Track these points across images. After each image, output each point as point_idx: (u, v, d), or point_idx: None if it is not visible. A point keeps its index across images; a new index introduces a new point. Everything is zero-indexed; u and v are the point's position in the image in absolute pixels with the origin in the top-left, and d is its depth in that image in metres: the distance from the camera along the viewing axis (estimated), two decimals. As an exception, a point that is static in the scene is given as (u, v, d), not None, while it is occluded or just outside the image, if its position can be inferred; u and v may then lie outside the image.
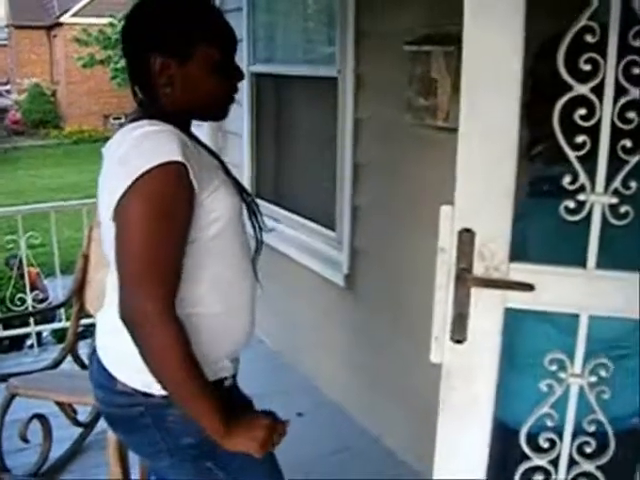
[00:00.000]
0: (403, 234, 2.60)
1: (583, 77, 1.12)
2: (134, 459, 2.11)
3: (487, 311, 1.19)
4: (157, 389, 1.28)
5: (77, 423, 2.75)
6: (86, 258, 2.89)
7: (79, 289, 2.88)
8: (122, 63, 17.53)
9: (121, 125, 1.37)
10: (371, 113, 2.76)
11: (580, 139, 1.13)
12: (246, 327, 1.42)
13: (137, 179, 1.19)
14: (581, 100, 1.12)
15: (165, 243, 1.23)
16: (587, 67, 1.11)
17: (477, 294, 1.18)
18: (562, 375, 1.23)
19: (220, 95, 1.38)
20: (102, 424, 2.36)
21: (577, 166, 1.14)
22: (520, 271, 1.18)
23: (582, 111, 1.12)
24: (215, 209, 1.30)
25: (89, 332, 3.22)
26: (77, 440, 2.79)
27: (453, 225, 1.16)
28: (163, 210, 1.22)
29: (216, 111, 1.42)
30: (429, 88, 2.20)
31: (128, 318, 1.23)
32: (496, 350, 1.20)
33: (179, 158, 1.21)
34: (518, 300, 1.19)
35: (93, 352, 1.44)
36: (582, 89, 1.12)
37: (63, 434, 2.73)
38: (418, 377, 2.41)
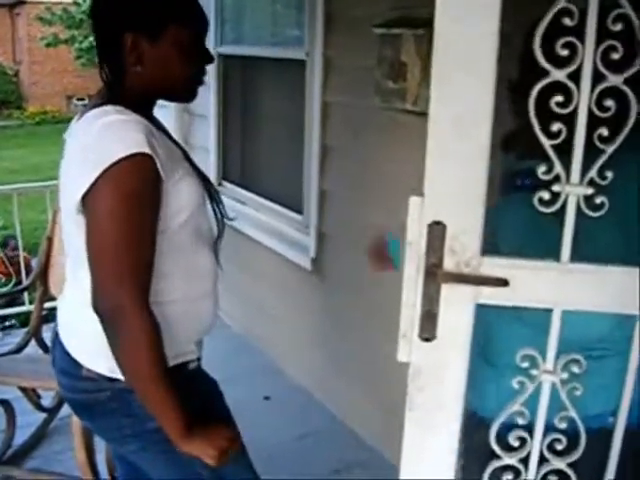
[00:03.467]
0: (370, 218, 2.59)
1: (560, 62, 1.07)
2: (100, 444, 2.08)
3: (458, 308, 1.14)
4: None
5: (41, 408, 2.72)
6: (50, 241, 2.84)
7: (43, 272, 2.83)
8: (87, 43, 17.13)
9: (84, 107, 1.35)
10: (340, 96, 2.73)
11: (556, 127, 1.08)
12: (210, 312, 1.43)
13: (105, 170, 1.18)
14: (558, 86, 1.07)
15: (139, 235, 1.22)
16: (565, 52, 1.05)
17: (447, 290, 1.13)
18: (534, 372, 1.18)
19: (189, 76, 1.36)
20: (66, 409, 2.27)
21: (552, 156, 1.09)
22: (492, 266, 1.13)
23: (559, 98, 1.07)
24: (181, 198, 1.30)
25: (53, 316, 3.14)
26: (41, 425, 2.75)
27: (422, 217, 1.09)
28: (134, 202, 1.21)
29: (184, 93, 1.40)
30: (398, 72, 2.18)
31: (102, 311, 1.21)
32: (466, 348, 1.16)
33: (146, 150, 1.20)
34: (490, 296, 1.14)
35: (55, 336, 1.43)
36: (559, 75, 1.06)
37: (27, 419, 2.69)
38: (386, 361, 2.43)
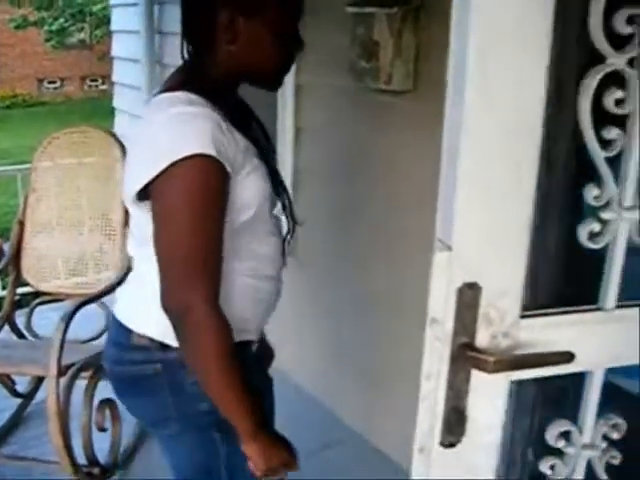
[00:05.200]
0: (345, 198, 2.60)
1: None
2: (76, 429, 2.09)
3: (490, 394, 0.82)
4: (173, 339, 1.22)
5: (16, 394, 2.67)
6: (22, 225, 2.77)
7: (15, 257, 2.75)
8: (56, 25, 16.56)
9: (158, 92, 1.30)
10: (313, 76, 2.68)
11: (611, 134, 0.76)
12: (273, 295, 1.43)
13: (165, 169, 1.14)
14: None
15: (205, 235, 1.20)
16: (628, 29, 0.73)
17: (478, 375, 0.81)
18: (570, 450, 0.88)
19: (279, 61, 1.33)
20: (41, 395, 2.35)
21: (605, 172, 0.77)
22: (530, 330, 0.81)
23: (618, 93, 0.74)
24: (246, 194, 1.26)
25: (26, 301, 3.12)
26: (16, 411, 2.69)
27: (448, 277, 0.77)
28: (198, 201, 1.18)
29: (272, 78, 1.37)
30: (371, 51, 2.17)
31: (171, 310, 1.19)
32: (496, 447, 0.84)
33: (209, 151, 1.15)
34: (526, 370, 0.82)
35: (112, 316, 1.42)
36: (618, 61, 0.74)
37: (2, 405, 2.66)
38: (359, 339, 2.60)
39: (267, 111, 2.87)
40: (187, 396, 1.29)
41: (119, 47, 4.22)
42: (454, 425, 0.81)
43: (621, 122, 0.78)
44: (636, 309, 0.87)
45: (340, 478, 2.31)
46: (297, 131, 2.85)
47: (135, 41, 3.75)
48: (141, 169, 1.19)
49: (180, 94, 1.24)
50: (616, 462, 0.96)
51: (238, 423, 1.24)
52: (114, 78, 4.34)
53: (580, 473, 0.94)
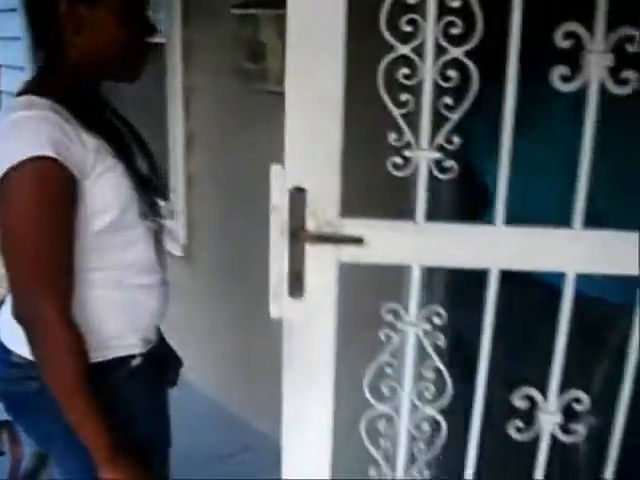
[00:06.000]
0: (238, 200, 2.59)
1: (404, 38, 1.15)
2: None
3: (322, 267, 1.24)
4: None
5: None
6: None
7: None
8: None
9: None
10: (202, 79, 2.72)
11: (404, 97, 1.16)
12: (155, 307, 1.42)
13: (6, 173, 1.16)
14: (404, 60, 1.15)
15: (50, 241, 1.20)
16: (408, 28, 1.13)
17: (311, 250, 1.23)
18: (400, 325, 1.29)
19: (129, 49, 1.32)
20: None
21: (402, 124, 1.17)
22: (352, 226, 1.23)
23: (405, 70, 1.15)
24: (105, 196, 1.26)
25: None
26: None
27: (285, 183, 1.20)
28: (42, 203, 1.19)
29: (127, 68, 1.36)
30: (258, 52, 2.20)
31: (21, 320, 1.21)
32: (333, 305, 1.26)
33: (49, 153, 1.16)
34: (351, 255, 1.24)
35: None
36: (404, 49, 1.15)
37: None
38: (263, 343, 2.40)
39: (157, 116, 3.02)
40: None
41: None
42: (296, 287, 1.23)
43: (411, 90, 1.19)
44: (441, 223, 1.25)
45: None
46: (188, 135, 2.88)
47: (17, 48, 3.68)
48: None
49: (22, 99, 1.23)
50: (440, 344, 1.33)
51: (92, 444, 1.23)
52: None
53: (411, 347, 1.32)
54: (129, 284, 1.34)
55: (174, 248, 3.05)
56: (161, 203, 1.41)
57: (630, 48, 1.12)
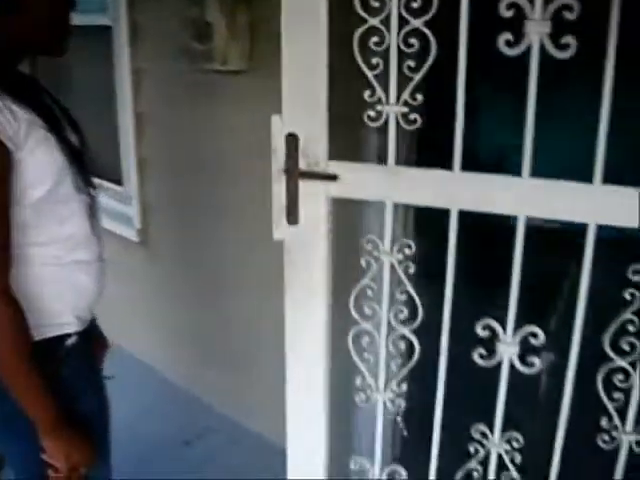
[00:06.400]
0: (192, 182, 2.57)
1: (374, 11, 1.43)
2: None
3: (313, 200, 1.54)
4: None
5: None
6: None
7: None
8: None
9: None
10: (150, 61, 2.67)
11: (374, 61, 1.45)
12: (92, 285, 1.41)
13: None
14: (374, 30, 1.44)
15: None
16: (376, 4, 1.42)
17: (304, 186, 1.54)
18: (376, 253, 1.56)
19: (55, 24, 1.32)
20: None
21: (374, 82, 1.46)
22: (336, 167, 1.52)
23: (375, 39, 1.44)
24: (38, 167, 1.26)
25: None
26: None
27: (282, 130, 1.52)
28: None
29: (52, 42, 1.35)
30: (205, 32, 2.18)
31: None
32: (324, 232, 1.55)
33: None
34: (337, 190, 1.54)
35: None
36: (374, 21, 1.43)
37: None
38: (223, 322, 2.59)
39: (107, 99, 2.95)
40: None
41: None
42: (292, 212, 1.55)
43: (382, 55, 1.46)
44: (410, 167, 1.51)
45: (217, 464, 2.36)
46: (138, 117, 2.79)
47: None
48: None
49: None
50: (411, 271, 1.57)
51: (36, 416, 1.25)
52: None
53: (387, 273, 1.58)
54: (67, 260, 1.32)
55: (130, 233, 3.01)
56: (94, 178, 1.41)
57: (569, 16, 1.29)
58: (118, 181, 3.08)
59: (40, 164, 1.25)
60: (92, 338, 1.47)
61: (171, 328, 2.91)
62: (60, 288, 1.33)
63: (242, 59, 2.16)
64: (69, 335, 1.36)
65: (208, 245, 2.55)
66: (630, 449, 1.45)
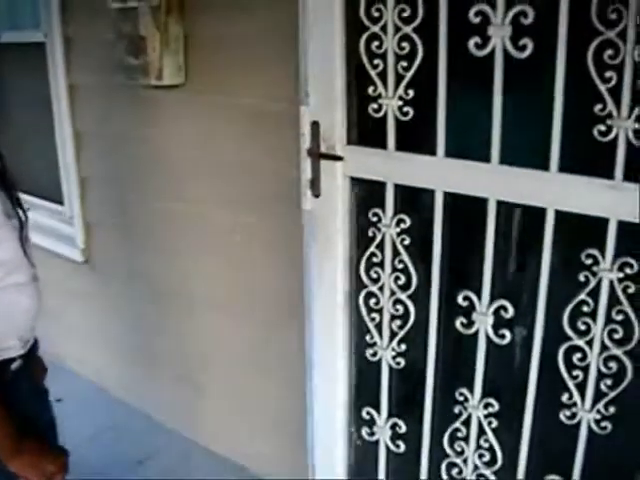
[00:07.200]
0: (135, 199, 2.56)
1: (376, 20, 1.73)
2: None
3: (333, 177, 1.85)
4: None
5: None
6: None
7: None
8: None
9: None
10: (85, 77, 2.63)
11: (376, 62, 1.74)
12: (26, 305, 1.37)
13: None
14: (375, 35, 1.73)
15: None
16: (376, 14, 1.71)
17: (325, 165, 1.87)
18: (380, 226, 1.84)
19: None
20: None
21: (376, 80, 1.75)
22: (350, 150, 1.83)
23: (376, 43, 1.73)
24: None
25: None
26: None
27: (307, 119, 1.87)
28: None
29: None
30: (139, 46, 2.16)
31: None
32: (341, 201, 1.85)
33: None
34: (352, 170, 1.83)
35: None
36: (375, 28, 1.73)
37: None
38: (170, 339, 2.57)
39: (43, 118, 2.84)
40: None
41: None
42: (315, 186, 1.88)
43: (381, 56, 1.74)
44: (410, 153, 1.77)
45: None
46: (77, 135, 2.73)
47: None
48: None
49: None
50: (407, 243, 1.82)
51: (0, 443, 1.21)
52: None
53: (388, 244, 1.85)
54: (4, 285, 1.29)
55: (73, 253, 2.95)
56: (21, 195, 1.37)
57: (525, 21, 1.49)
58: (59, 201, 3.03)
59: None
60: (33, 360, 1.45)
61: (120, 347, 2.89)
62: (2, 312, 1.30)
63: (178, 73, 2.14)
64: (14, 359, 1.33)
65: (153, 262, 2.54)
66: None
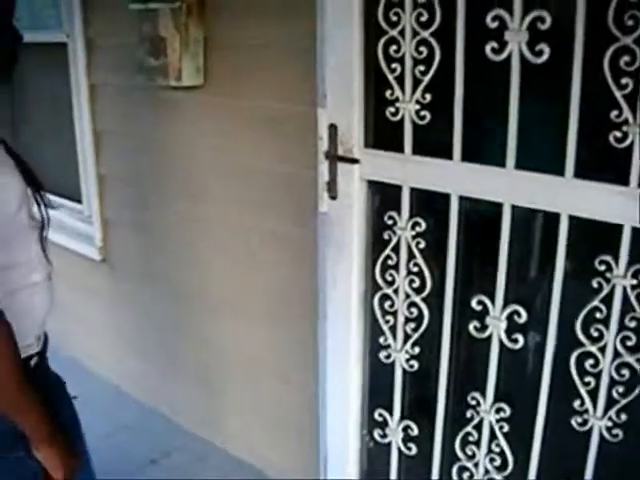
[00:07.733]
0: (152, 199, 2.57)
1: (393, 25, 1.74)
2: None
3: (350, 179, 1.87)
4: None
5: None
6: None
7: None
8: None
9: None
10: (106, 77, 2.66)
11: (394, 65, 1.76)
12: (43, 303, 1.38)
13: None
14: (393, 40, 1.75)
15: None
16: (394, 18, 1.73)
17: (342, 167, 1.89)
18: (395, 229, 1.85)
19: None
20: None
21: (394, 84, 1.77)
22: (366, 153, 1.85)
23: (394, 47, 1.75)
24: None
25: None
26: None
27: (325, 122, 1.88)
28: None
29: None
30: (159, 47, 2.17)
31: None
32: (357, 203, 1.86)
33: None
34: (368, 173, 1.85)
35: None
36: (393, 32, 1.74)
37: None
38: (189, 341, 2.57)
39: (64, 116, 2.89)
40: None
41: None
42: (332, 188, 1.89)
43: (399, 60, 1.75)
44: (427, 157, 1.78)
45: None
46: (96, 134, 2.76)
47: None
48: None
49: None
50: (422, 247, 1.84)
51: (35, 428, 1.21)
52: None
53: (404, 247, 1.87)
54: (25, 284, 1.31)
55: (91, 252, 2.96)
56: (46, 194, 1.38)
57: (542, 27, 1.50)
58: (78, 199, 3.07)
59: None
60: (46, 357, 1.45)
61: (137, 346, 2.89)
62: (22, 310, 1.30)
63: (197, 74, 2.15)
64: (32, 356, 1.34)
65: (171, 262, 2.55)
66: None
